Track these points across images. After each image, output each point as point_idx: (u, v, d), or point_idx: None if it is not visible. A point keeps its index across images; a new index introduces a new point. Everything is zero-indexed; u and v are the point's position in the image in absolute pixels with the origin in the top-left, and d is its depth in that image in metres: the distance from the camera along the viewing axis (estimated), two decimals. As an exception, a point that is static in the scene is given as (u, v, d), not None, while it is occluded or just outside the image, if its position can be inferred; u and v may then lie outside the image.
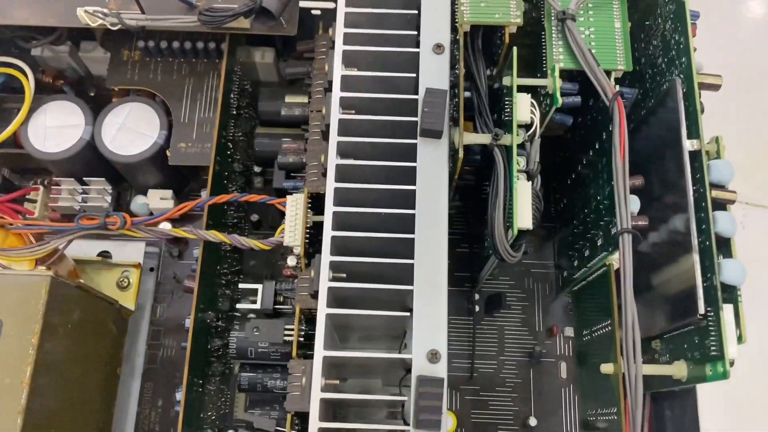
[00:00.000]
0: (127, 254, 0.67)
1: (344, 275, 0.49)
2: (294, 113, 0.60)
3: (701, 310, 0.47)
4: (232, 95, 0.62)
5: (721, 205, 0.50)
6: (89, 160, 0.64)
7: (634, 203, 0.52)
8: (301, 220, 0.52)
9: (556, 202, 0.70)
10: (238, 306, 0.56)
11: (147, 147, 0.62)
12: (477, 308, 0.68)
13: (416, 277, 0.48)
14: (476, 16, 0.54)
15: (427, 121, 0.50)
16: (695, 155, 0.50)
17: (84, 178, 0.66)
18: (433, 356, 0.46)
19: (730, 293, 0.49)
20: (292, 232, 0.52)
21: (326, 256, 0.49)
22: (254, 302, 0.55)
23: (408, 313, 0.48)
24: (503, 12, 0.54)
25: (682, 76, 0.53)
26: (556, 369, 0.67)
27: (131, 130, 0.63)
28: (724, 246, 0.51)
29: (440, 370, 0.46)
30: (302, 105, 0.60)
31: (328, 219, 0.50)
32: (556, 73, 0.52)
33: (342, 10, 0.55)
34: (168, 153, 0.61)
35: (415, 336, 0.47)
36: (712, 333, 0.47)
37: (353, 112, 0.54)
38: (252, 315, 0.57)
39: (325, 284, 0.48)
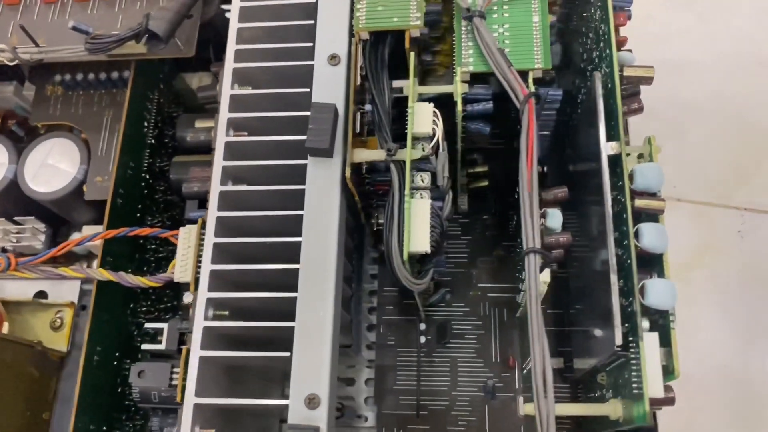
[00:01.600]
0: (63, 293, 0.66)
1: (226, 312, 0.45)
2: (200, 138, 0.57)
3: (617, 341, 0.40)
4: (146, 124, 0.60)
5: (651, 216, 0.43)
6: (17, 198, 0.63)
7: (554, 218, 0.46)
8: (193, 253, 0.49)
9: (512, 218, 0.64)
10: (143, 347, 0.53)
11: (67, 183, 0.60)
12: (423, 339, 0.62)
13: (298, 312, 0.43)
14: (373, 22, 0.49)
15: (311, 138, 0.45)
16: (615, 160, 0.43)
17: (16, 218, 0.64)
18: (311, 401, 0.41)
19: (660, 319, 0.41)
20: (183, 267, 0.49)
21: (203, 293, 0.45)
22: (160, 342, 0.52)
23: (288, 353, 0.43)
24: (401, 15, 0.49)
25: (608, 69, 0.47)
26: (513, 405, 0.60)
27: (52, 167, 0.62)
28: (656, 264, 0.43)
29: (319, 417, 0.41)
30: (208, 130, 0.57)
31: (207, 251, 0.46)
32: (458, 78, 0.47)
33: (234, 26, 0.52)
34: (84, 188, 0.59)
35: (292, 378, 0.42)
36: (633, 368, 0.40)
37: (245, 134, 0.50)
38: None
39: (199, 324, 0.44)
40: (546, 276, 0.46)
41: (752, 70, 0.76)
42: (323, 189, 0.46)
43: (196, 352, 0.43)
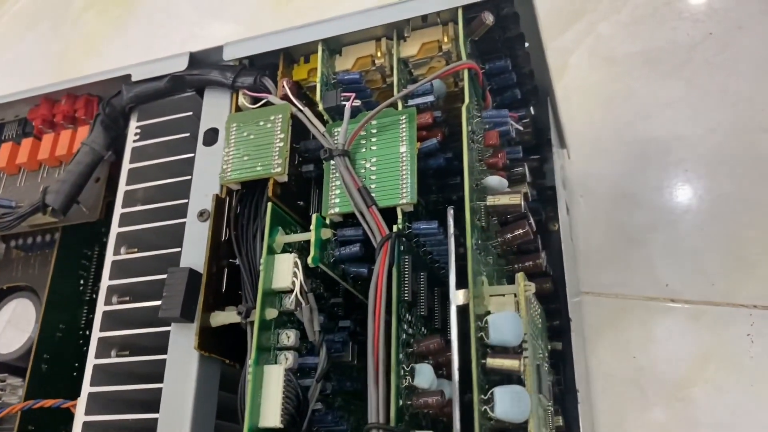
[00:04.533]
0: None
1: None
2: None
3: None
4: (83, 282, 0.61)
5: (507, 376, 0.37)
6: (-11, 358, 0.66)
7: (423, 375, 0.40)
8: (84, 425, 0.48)
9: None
10: None
11: (23, 342, 0.63)
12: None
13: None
14: (239, 173, 0.48)
15: (164, 308, 0.44)
16: (464, 311, 0.38)
17: (-6, 375, 0.68)
18: None
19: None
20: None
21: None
22: None
23: None
24: (264, 164, 0.47)
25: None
26: None
27: (15, 327, 0.65)
28: None
29: None
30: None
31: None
32: (312, 224, 0.44)
33: (122, 188, 0.53)
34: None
35: None
36: None
37: (128, 299, 0.50)
38: None
39: None
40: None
41: (753, 138, 0.66)
42: (182, 357, 0.44)
43: None
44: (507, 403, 0.35)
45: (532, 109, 0.59)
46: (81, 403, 0.46)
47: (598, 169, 0.69)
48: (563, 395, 0.52)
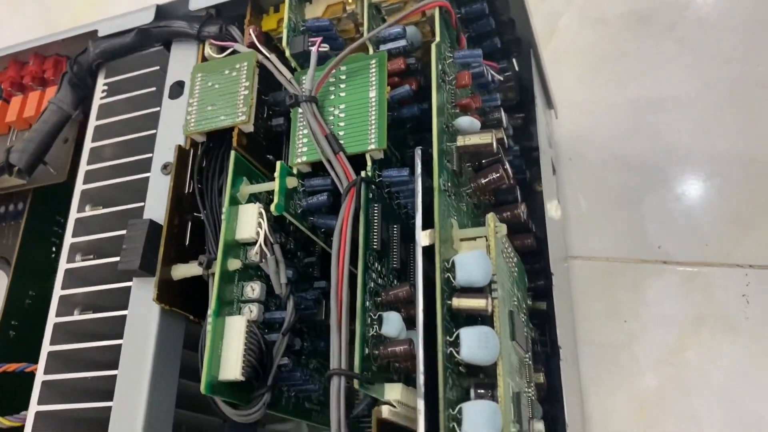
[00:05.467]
0: None
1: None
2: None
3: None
4: (54, 249, 0.60)
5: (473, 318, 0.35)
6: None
7: (391, 323, 0.38)
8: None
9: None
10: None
11: (-4, 313, 0.62)
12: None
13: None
14: (202, 124, 0.46)
15: (123, 260, 0.42)
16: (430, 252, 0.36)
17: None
18: None
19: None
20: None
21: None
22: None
23: None
24: (228, 113, 0.45)
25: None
26: None
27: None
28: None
29: None
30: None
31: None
32: (276, 172, 0.42)
33: (88, 146, 0.51)
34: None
35: None
36: None
37: (92, 257, 0.48)
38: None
39: None
40: (396, 392, 0.38)
41: (748, 95, 0.63)
42: (142, 312, 0.42)
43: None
44: (474, 343, 0.33)
45: (516, 64, 0.57)
46: (41, 362, 0.45)
47: (588, 131, 0.67)
48: (548, 358, 0.49)
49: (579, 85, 0.69)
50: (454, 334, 0.34)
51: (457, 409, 0.32)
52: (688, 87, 0.65)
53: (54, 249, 0.60)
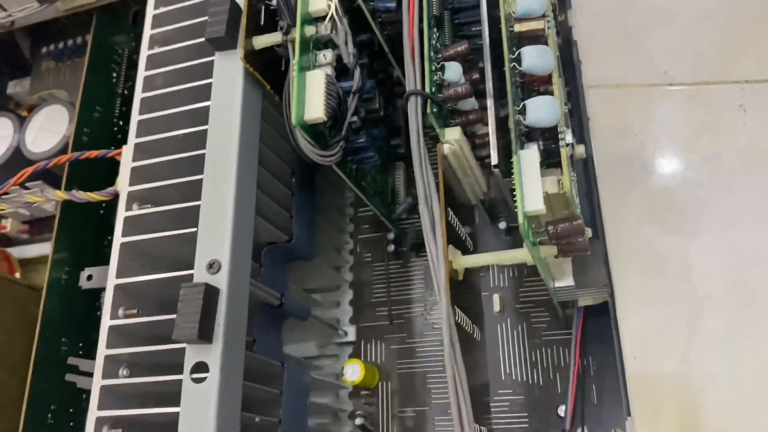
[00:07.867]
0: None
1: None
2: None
3: (494, 161, 0.38)
4: (115, 75, 0.65)
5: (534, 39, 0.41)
6: (23, 164, 0.69)
7: (453, 70, 0.45)
8: (133, 166, 0.52)
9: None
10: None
11: (58, 141, 0.67)
12: (392, 247, 0.62)
13: (203, 192, 0.45)
14: None
15: (209, 30, 0.48)
16: None
17: (27, 184, 0.71)
18: (211, 266, 0.42)
19: (552, 143, 0.39)
20: (124, 181, 0.52)
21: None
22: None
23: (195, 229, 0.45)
24: None
25: None
26: (489, 303, 0.58)
27: (48, 130, 0.68)
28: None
29: (220, 280, 0.42)
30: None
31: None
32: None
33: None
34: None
35: (197, 249, 0.44)
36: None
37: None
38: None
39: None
40: (455, 133, 0.45)
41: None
42: (227, 80, 0.48)
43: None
44: (533, 54, 0.39)
45: None
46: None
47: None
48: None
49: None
50: (516, 53, 0.40)
51: (521, 105, 0.39)
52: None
53: (114, 75, 0.65)
